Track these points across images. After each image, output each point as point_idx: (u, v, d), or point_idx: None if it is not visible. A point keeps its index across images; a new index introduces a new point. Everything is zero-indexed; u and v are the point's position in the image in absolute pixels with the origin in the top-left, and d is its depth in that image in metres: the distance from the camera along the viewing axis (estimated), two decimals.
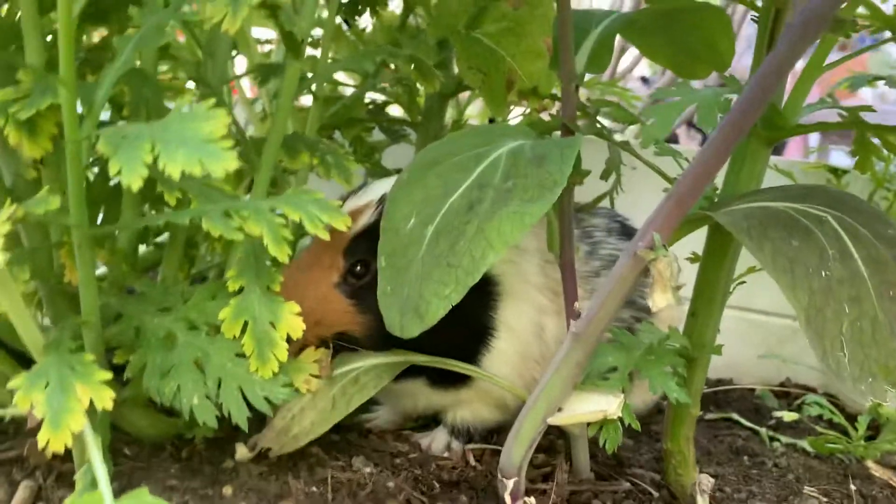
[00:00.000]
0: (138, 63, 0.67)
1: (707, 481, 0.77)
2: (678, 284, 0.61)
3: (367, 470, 0.82)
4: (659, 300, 0.61)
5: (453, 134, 0.79)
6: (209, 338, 0.67)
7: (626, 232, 1.01)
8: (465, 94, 1.32)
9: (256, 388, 0.65)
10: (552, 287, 0.89)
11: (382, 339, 0.78)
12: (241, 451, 0.77)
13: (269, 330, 0.65)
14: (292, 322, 0.65)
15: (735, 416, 1.07)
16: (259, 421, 0.78)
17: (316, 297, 0.78)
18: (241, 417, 0.65)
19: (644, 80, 2.74)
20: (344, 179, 0.76)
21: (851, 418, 1.06)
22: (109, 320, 0.73)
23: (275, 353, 0.65)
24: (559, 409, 0.68)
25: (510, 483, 0.71)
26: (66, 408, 0.58)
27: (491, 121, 1.49)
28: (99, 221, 0.82)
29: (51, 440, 0.57)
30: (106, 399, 0.59)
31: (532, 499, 0.72)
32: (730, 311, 0.82)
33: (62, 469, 0.77)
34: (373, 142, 1.24)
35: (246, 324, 0.65)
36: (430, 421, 0.97)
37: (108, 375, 0.61)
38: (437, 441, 0.91)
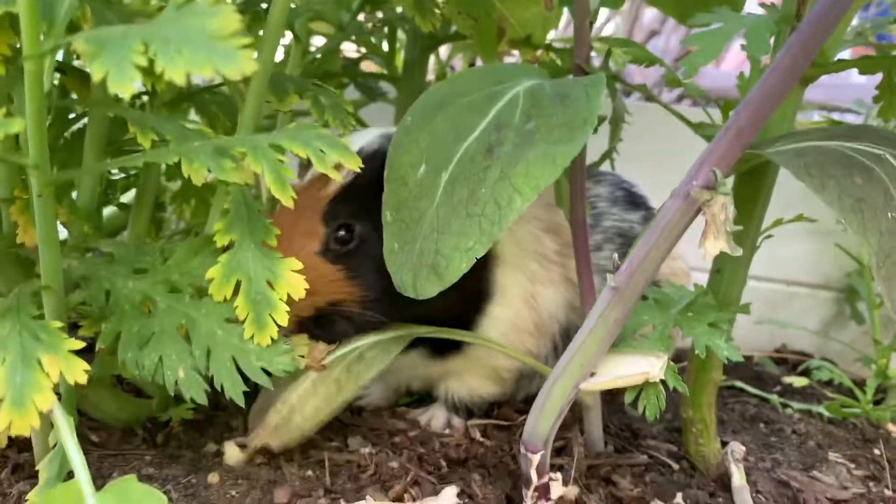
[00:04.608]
0: None
1: (739, 449, 0.72)
2: (733, 229, 0.54)
3: (366, 450, 0.74)
4: (711, 247, 0.55)
5: (458, 73, 0.71)
6: (194, 302, 0.58)
7: (633, 201, 0.94)
8: (444, 49, 1.24)
9: (252, 357, 0.56)
10: (546, 255, 0.82)
11: (379, 306, 0.70)
12: (232, 452, 0.68)
13: (266, 290, 0.56)
14: (293, 280, 0.57)
15: (740, 384, 1.02)
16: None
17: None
18: (235, 391, 0.56)
19: None
20: (340, 123, 0.67)
21: (855, 384, 1.02)
22: (71, 287, 0.63)
23: (273, 316, 0.56)
24: (592, 374, 0.61)
25: (536, 457, 0.63)
26: (32, 383, 0.48)
27: None
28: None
29: (14, 422, 0.47)
30: (78, 371, 0.50)
31: (558, 474, 0.65)
32: None
33: (18, 460, 0.67)
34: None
35: (239, 284, 0.56)
36: (425, 397, 0.89)
37: (80, 344, 0.51)
38: (436, 418, 0.84)
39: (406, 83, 1.09)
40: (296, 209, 0.70)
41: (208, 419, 0.78)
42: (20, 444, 0.68)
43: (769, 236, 0.75)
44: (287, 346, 0.57)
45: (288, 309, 0.57)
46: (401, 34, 1.11)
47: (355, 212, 0.70)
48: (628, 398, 0.61)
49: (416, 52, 1.06)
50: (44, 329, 0.51)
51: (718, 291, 0.74)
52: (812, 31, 0.51)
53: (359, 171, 0.64)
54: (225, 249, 0.58)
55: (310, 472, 0.70)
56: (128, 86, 0.35)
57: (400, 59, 1.12)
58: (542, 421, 0.63)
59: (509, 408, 0.88)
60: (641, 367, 0.59)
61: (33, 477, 0.64)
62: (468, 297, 0.75)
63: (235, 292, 0.57)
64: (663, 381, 0.61)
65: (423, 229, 0.62)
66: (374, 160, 0.66)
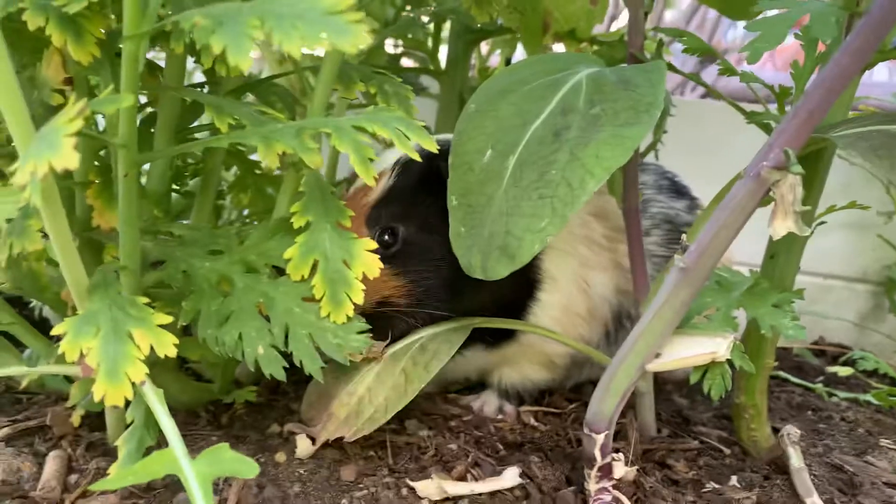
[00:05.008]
0: None
1: (795, 432, 0.72)
2: (801, 209, 0.55)
3: (424, 433, 0.76)
4: (779, 227, 0.56)
5: (519, 62, 0.72)
6: (272, 281, 0.59)
7: (678, 190, 0.95)
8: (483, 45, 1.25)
9: (329, 335, 0.58)
10: (596, 240, 0.83)
11: (425, 301, 0.72)
12: (304, 445, 0.69)
13: (342, 269, 0.57)
14: (369, 260, 0.58)
15: (784, 375, 1.03)
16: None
17: None
18: (314, 367, 0.57)
19: None
20: (405, 110, 0.68)
21: None
22: (145, 269, 0.64)
23: (349, 294, 0.57)
24: (657, 355, 0.62)
25: (600, 437, 0.64)
26: (125, 355, 0.50)
27: None
28: None
29: (108, 393, 0.49)
30: (168, 345, 0.51)
31: (620, 454, 0.66)
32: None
33: (91, 438, 0.68)
34: None
35: (315, 264, 0.58)
36: (475, 384, 0.90)
37: (167, 319, 0.53)
38: (488, 404, 0.85)
39: (449, 78, 1.10)
40: None
41: (269, 403, 0.79)
42: (91, 424, 0.70)
43: (822, 223, 0.76)
44: (362, 324, 0.58)
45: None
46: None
47: (397, 215, 0.72)
48: (694, 378, 0.62)
49: (459, 47, 1.08)
50: (132, 304, 0.53)
51: (772, 277, 0.74)
52: (884, 14, 0.51)
53: (393, 179, 0.70)
54: (299, 231, 0.59)
55: (372, 453, 0.71)
56: (246, 58, 0.37)
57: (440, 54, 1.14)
58: (606, 401, 0.64)
59: (559, 396, 0.89)
60: (708, 347, 0.60)
61: (108, 454, 0.66)
62: (517, 286, 0.77)
63: (312, 272, 0.58)
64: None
65: (492, 212, 0.63)
66: (413, 165, 0.69)
